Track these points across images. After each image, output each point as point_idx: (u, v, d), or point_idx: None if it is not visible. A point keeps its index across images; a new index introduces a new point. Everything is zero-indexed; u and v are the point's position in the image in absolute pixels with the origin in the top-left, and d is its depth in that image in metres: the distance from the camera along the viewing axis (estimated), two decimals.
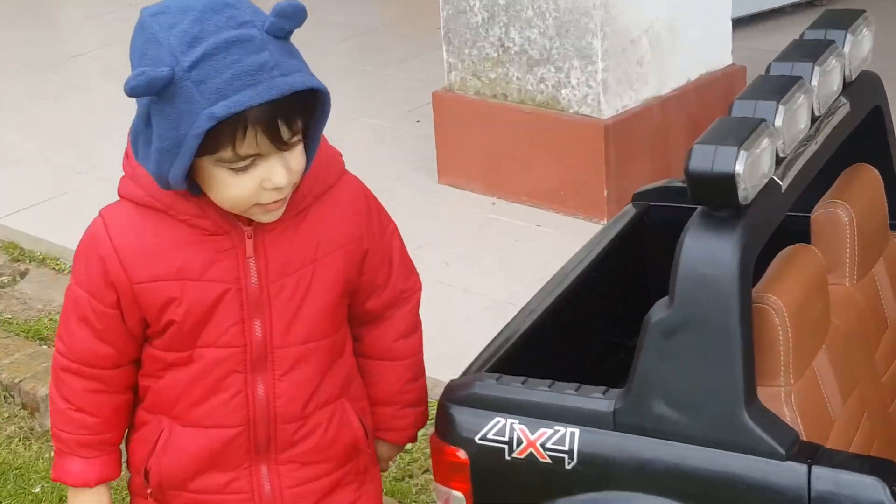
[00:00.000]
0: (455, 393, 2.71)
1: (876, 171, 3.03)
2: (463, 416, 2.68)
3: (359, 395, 2.58)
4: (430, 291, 4.64)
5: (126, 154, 2.31)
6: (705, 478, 2.48)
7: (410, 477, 4.11)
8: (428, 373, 4.10)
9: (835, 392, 2.69)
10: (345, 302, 2.50)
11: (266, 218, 2.28)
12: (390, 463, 2.70)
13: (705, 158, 2.39)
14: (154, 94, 2.02)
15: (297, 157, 2.21)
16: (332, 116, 6.79)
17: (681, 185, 3.07)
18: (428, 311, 4.49)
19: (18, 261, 6.09)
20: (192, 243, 2.30)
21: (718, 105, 4.48)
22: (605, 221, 4.39)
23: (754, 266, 2.49)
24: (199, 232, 2.30)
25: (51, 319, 5.41)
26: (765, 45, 3.16)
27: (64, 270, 5.81)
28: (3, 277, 5.89)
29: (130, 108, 2.46)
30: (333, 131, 6.00)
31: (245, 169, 2.13)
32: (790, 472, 2.39)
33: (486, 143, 5.23)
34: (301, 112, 2.17)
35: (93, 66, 7.88)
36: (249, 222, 2.30)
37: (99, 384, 2.41)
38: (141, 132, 2.14)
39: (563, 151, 5.00)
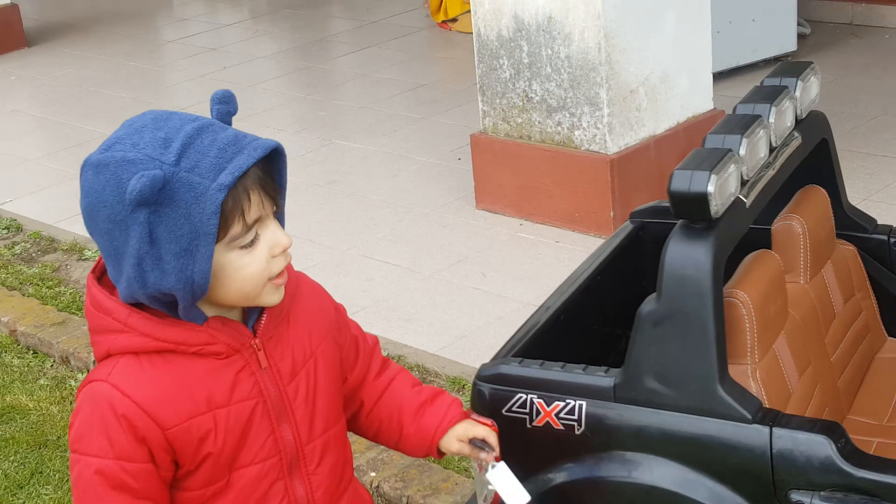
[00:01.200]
0: (485, 374, 2.73)
1: (824, 191, 3.07)
2: (492, 393, 2.69)
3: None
4: (469, 297, 4.70)
5: (101, 310, 1.98)
6: (688, 439, 2.52)
7: None
8: (468, 362, 4.13)
9: (792, 369, 2.73)
10: (339, 377, 2.24)
11: (276, 297, 2.02)
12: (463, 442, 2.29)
13: (683, 181, 2.44)
14: (153, 200, 1.76)
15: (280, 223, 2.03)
16: (390, 156, 6.78)
17: (668, 204, 3.11)
18: (468, 313, 4.54)
19: None
20: (209, 372, 1.99)
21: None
22: None
23: (725, 268, 2.52)
24: (213, 359, 2.00)
25: None
26: (741, 93, 3.14)
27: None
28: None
29: None
30: (390, 168, 6.04)
31: (253, 243, 1.91)
32: (756, 434, 2.43)
33: (515, 175, 5.21)
34: (278, 171, 1.98)
35: None
36: (254, 335, 2.05)
37: None
38: (147, 254, 1.83)
39: (577, 182, 4.99)
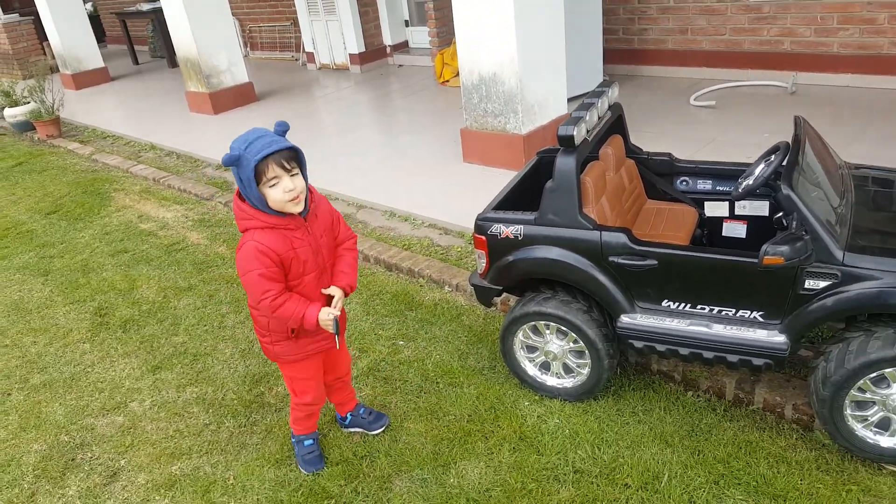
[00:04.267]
0: (480, 217, 2.77)
1: (620, 136, 3.11)
2: (484, 223, 2.75)
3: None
4: (458, 194, 4.76)
5: (240, 209, 2.16)
6: (566, 238, 2.58)
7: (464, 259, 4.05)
8: (465, 222, 4.23)
9: (609, 209, 2.79)
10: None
11: (295, 209, 2.15)
12: (341, 302, 2.35)
13: (564, 130, 2.52)
14: (234, 164, 2.04)
15: (298, 180, 2.11)
16: (422, 140, 6.51)
17: (550, 150, 3.20)
18: (473, 200, 4.59)
19: None
20: (289, 235, 2.18)
21: None
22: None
23: (581, 167, 2.62)
24: (289, 231, 2.18)
25: None
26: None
27: None
28: None
29: None
30: (422, 146, 5.91)
31: (275, 185, 2.08)
32: (594, 234, 2.52)
33: (480, 146, 5.17)
34: (290, 158, 2.08)
35: None
36: (304, 220, 2.22)
37: (280, 293, 2.19)
38: (240, 185, 2.10)
39: (508, 147, 4.99)
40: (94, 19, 14.83)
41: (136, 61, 12.35)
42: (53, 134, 8.18)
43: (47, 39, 11.47)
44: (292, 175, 2.09)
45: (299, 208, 2.15)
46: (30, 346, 3.84)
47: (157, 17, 11.07)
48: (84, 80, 10.79)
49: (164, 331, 3.81)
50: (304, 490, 2.61)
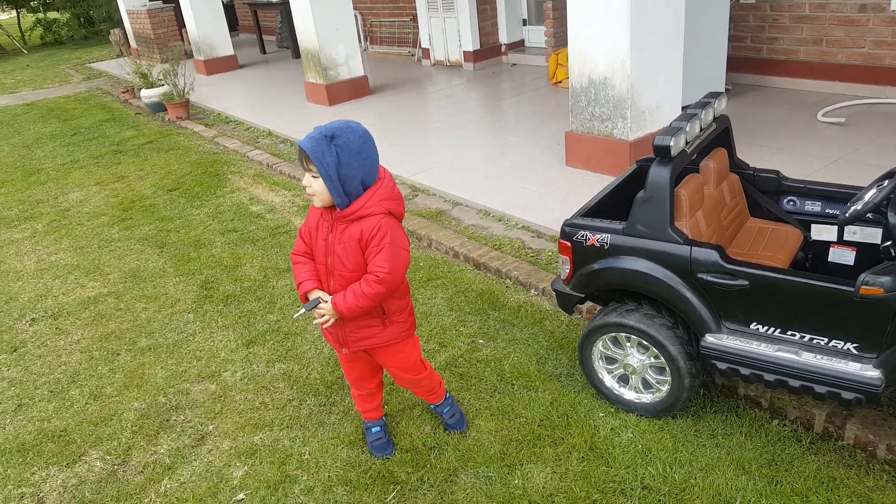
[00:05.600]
0: (568, 222, 2.81)
1: (725, 150, 3.07)
2: (570, 229, 2.79)
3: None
4: (561, 197, 4.81)
5: None
6: (655, 251, 2.58)
7: (550, 263, 4.11)
8: (555, 224, 4.25)
9: (703, 225, 2.78)
10: (362, 261, 2.35)
11: (314, 203, 2.32)
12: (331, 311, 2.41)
13: (661, 140, 2.54)
14: None
15: (317, 184, 2.24)
16: (527, 141, 6.63)
17: (651, 156, 3.19)
18: (559, 202, 4.66)
19: None
20: (320, 221, 2.38)
21: None
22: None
23: (676, 180, 2.61)
24: (321, 215, 2.38)
25: None
26: None
27: None
28: None
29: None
30: (528, 146, 5.99)
31: (304, 173, 2.28)
32: (684, 248, 2.51)
33: (585, 150, 5.18)
34: (307, 159, 2.20)
35: None
36: (335, 214, 2.32)
37: (305, 257, 2.46)
38: None
39: (614, 153, 4.98)
40: (229, 9, 15.94)
41: (263, 50, 13.16)
42: (182, 116, 8.90)
43: (185, 26, 12.44)
44: (313, 175, 2.24)
45: (317, 204, 2.31)
46: (141, 312, 4.23)
47: (286, 7, 11.73)
48: (215, 66, 11.64)
49: (261, 308, 4.09)
50: (372, 473, 2.76)
